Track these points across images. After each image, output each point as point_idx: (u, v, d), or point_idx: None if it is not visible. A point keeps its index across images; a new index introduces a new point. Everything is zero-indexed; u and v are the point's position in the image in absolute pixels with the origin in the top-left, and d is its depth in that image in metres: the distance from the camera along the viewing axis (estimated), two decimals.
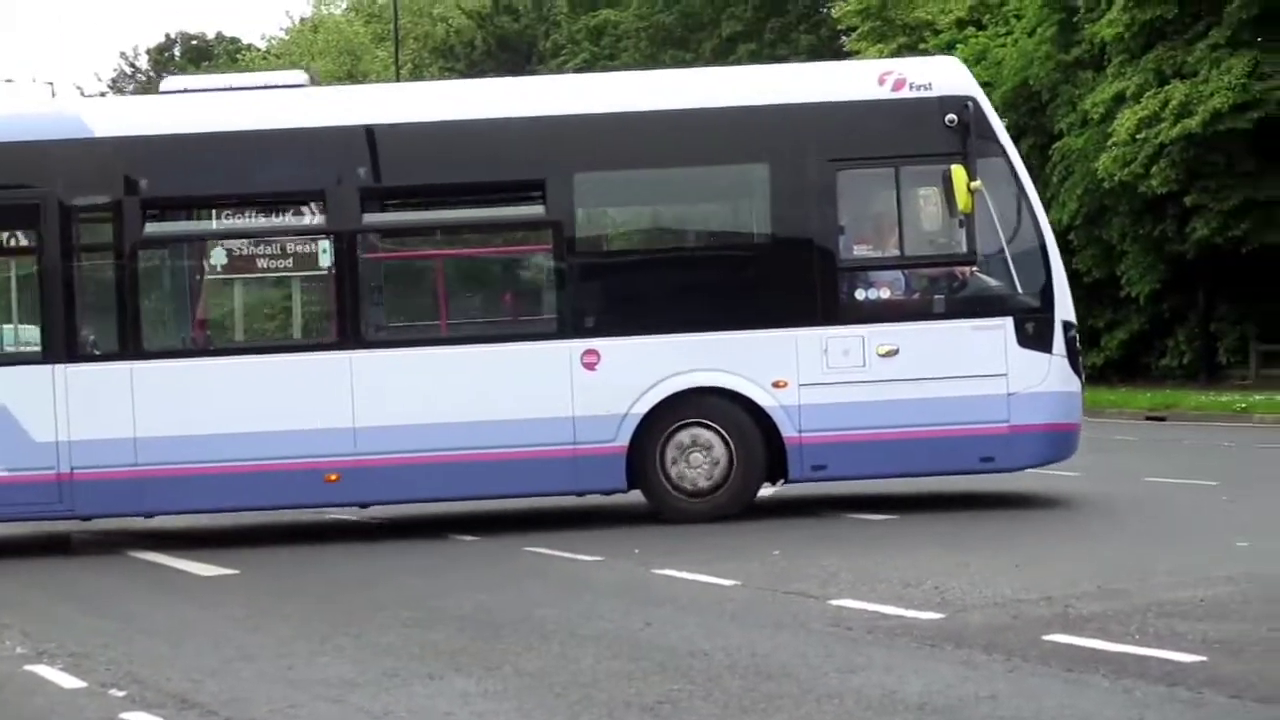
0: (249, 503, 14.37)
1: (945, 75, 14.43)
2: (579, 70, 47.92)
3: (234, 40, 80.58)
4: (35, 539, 15.34)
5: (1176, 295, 36.34)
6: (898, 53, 39.26)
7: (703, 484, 14.11)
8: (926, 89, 14.19)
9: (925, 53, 35.86)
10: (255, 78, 14.95)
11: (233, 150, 14.25)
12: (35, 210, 14.07)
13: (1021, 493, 15.00)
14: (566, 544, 13.08)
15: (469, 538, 14.16)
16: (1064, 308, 14.14)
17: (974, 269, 14.17)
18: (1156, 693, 7.31)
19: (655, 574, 11.41)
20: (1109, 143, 33.75)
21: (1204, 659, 7.89)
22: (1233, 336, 35.34)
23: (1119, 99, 34.29)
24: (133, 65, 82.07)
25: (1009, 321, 13.99)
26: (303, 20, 77.04)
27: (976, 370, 13.96)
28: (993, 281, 14.19)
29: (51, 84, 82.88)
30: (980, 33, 40.31)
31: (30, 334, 14.67)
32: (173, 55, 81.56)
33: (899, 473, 14.49)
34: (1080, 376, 14.34)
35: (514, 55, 55.80)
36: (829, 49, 47.46)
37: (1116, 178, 33.69)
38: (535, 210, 14.34)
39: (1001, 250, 14.04)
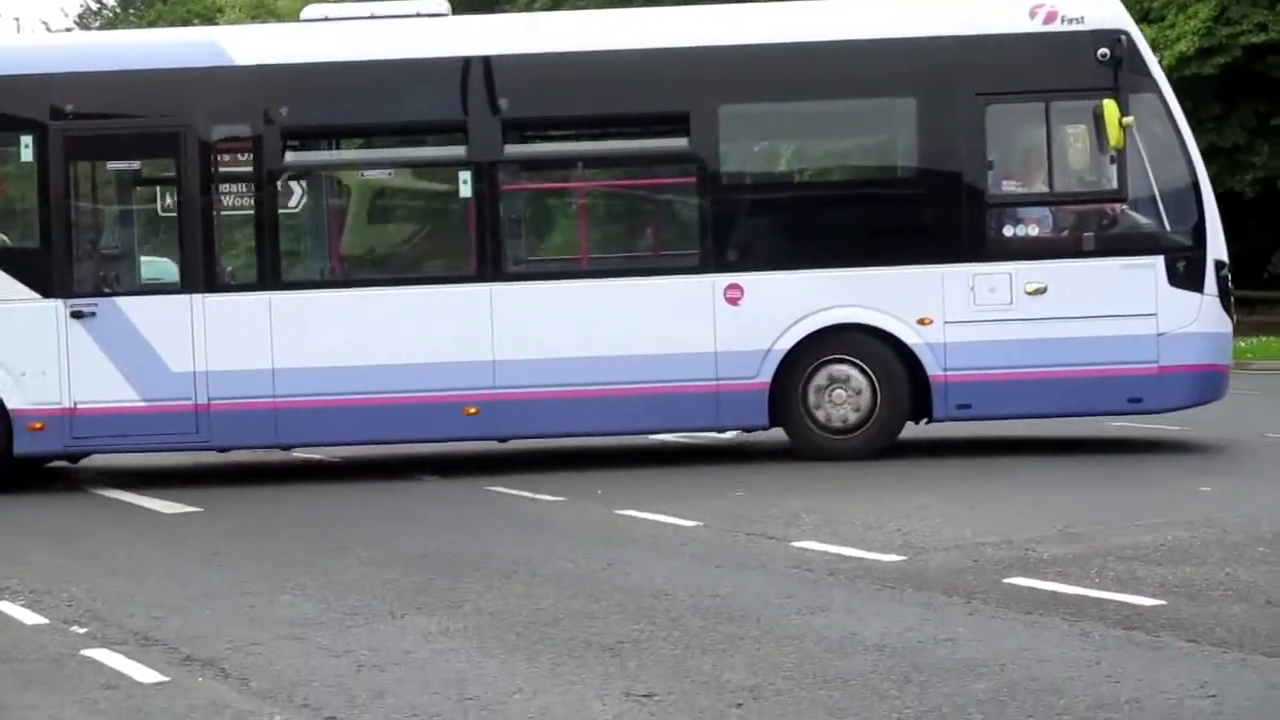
0: (386, 435, 14.29)
1: (1098, 8, 14.05)
2: (542, 9, 47.30)
3: None
4: None
5: None
6: None
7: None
8: (1078, 22, 13.90)
9: None
10: (395, 6, 14.78)
11: (373, 80, 14.13)
12: (175, 139, 13.99)
13: (985, 438, 14.71)
14: (530, 485, 13.00)
15: (433, 478, 14.10)
16: (1216, 247, 13.80)
17: (1125, 206, 13.87)
18: (1114, 636, 7.27)
19: (618, 514, 11.32)
20: None
21: (1162, 603, 7.85)
22: None
23: None
24: (99, 1, 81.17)
25: (1160, 260, 13.70)
26: None
27: (1126, 309, 13.69)
28: (1143, 219, 13.89)
29: (17, 19, 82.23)
30: None
31: (168, 264, 14.57)
32: None
33: (1045, 413, 14.22)
34: (1232, 317, 14.06)
35: None
36: None
37: None
38: (679, 143, 14.13)
39: (1153, 187, 13.75)
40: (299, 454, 15.58)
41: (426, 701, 6.61)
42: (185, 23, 56.09)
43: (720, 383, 13.82)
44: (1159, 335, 13.72)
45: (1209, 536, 9.64)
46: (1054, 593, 8.19)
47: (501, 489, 12.97)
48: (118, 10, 79.19)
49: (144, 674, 7.27)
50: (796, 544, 9.83)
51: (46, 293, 13.87)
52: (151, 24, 61.51)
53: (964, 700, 6.36)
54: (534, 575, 9.16)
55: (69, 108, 14.01)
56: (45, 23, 76.15)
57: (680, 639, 7.50)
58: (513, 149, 14.18)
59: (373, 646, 7.60)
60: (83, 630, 8.25)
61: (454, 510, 12.15)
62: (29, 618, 8.62)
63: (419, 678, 7.02)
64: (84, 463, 15.48)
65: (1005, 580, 8.52)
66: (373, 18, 14.52)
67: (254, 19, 58.73)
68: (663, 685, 6.74)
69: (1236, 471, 13.08)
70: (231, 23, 53.09)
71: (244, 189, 14.39)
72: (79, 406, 13.83)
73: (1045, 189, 14.00)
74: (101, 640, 7.98)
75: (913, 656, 7.04)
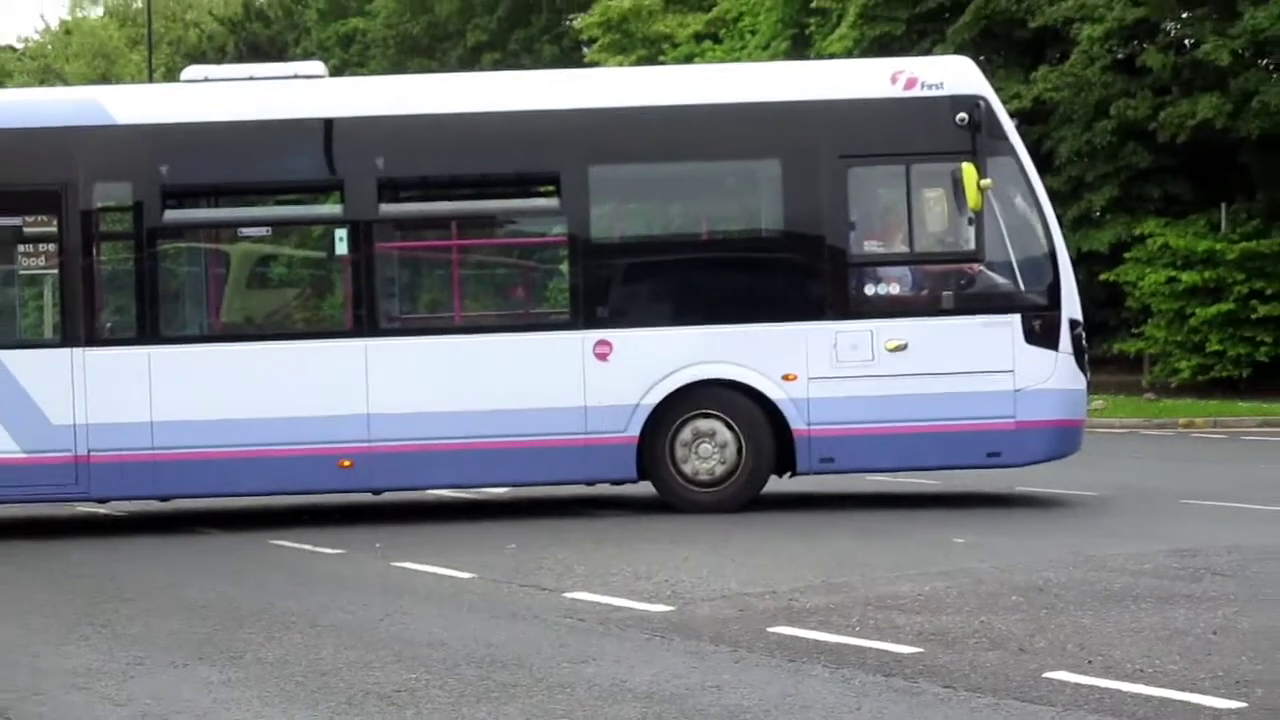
0: (263, 488, 14.54)
1: (956, 74, 14.51)
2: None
3: None
4: None
5: None
6: (638, 64, 40.12)
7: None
8: (938, 88, 14.31)
9: (663, 64, 36.84)
10: (274, 68, 15.12)
11: (252, 139, 14.45)
12: (56, 196, 14.25)
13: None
14: (310, 538, 13.30)
15: (214, 531, 14.37)
16: (1071, 306, 14.18)
17: (982, 266, 14.29)
18: (874, 682, 7.59)
19: (395, 567, 11.63)
20: None
21: (920, 650, 8.18)
22: None
23: None
24: None
25: (1016, 318, 14.10)
26: (62, 21, 76.55)
27: (984, 366, 14.07)
28: (1000, 279, 14.26)
29: None
30: (717, 46, 41.15)
31: (49, 318, 14.81)
32: None
33: (906, 466, 14.70)
34: (1086, 374, 14.48)
35: (265, 61, 56.25)
36: (571, 60, 48.30)
37: None
38: (550, 202, 14.54)
39: (1009, 248, 14.15)
40: (81, 508, 15.73)
41: None
42: None
43: (590, 436, 14.13)
44: (1016, 391, 14.10)
45: (964, 586, 10.01)
46: (816, 641, 8.51)
47: (283, 542, 13.23)
48: None
49: None
50: (569, 595, 10.14)
51: None
52: None
53: None
54: (313, 626, 9.41)
55: None
56: None
57: (455, 687, 7.75)
58: (388, 208, 14.50)
59: (156, 695, 7.80)
60: None
61: (235, 563, 12.38)
62: None
63: None
64: None
65: (770, 629, 8.83)
66: (252, 79, 14.88)
67: (42, 83, 59.98)
68: None
69: (988, 523, 13.40)
70: (20, 87, 54.55)
71: (124, 245, 14.70)
72: None
73: (905, 249, 14.37)
74: None
75: (680, 703, 7.31)
